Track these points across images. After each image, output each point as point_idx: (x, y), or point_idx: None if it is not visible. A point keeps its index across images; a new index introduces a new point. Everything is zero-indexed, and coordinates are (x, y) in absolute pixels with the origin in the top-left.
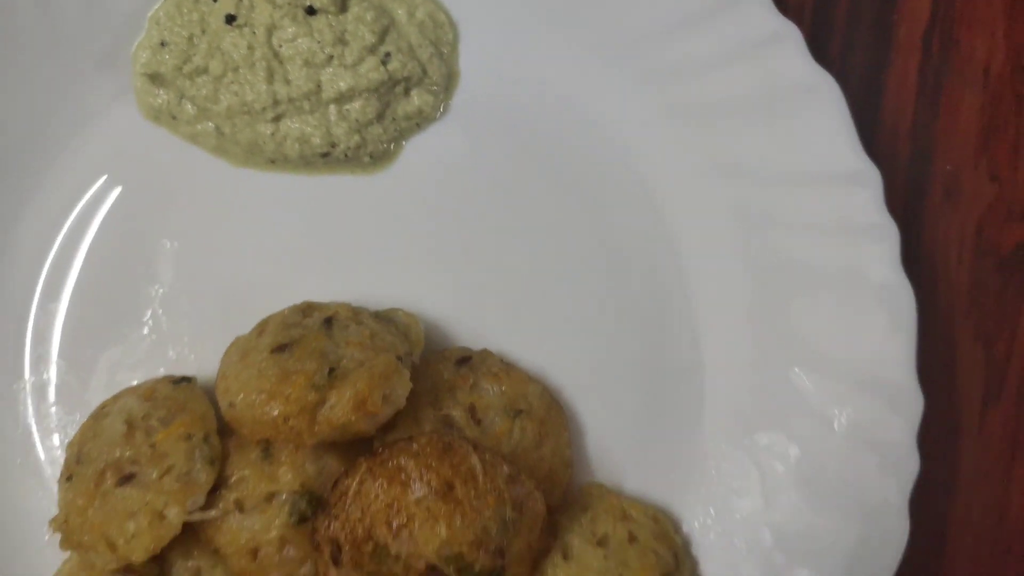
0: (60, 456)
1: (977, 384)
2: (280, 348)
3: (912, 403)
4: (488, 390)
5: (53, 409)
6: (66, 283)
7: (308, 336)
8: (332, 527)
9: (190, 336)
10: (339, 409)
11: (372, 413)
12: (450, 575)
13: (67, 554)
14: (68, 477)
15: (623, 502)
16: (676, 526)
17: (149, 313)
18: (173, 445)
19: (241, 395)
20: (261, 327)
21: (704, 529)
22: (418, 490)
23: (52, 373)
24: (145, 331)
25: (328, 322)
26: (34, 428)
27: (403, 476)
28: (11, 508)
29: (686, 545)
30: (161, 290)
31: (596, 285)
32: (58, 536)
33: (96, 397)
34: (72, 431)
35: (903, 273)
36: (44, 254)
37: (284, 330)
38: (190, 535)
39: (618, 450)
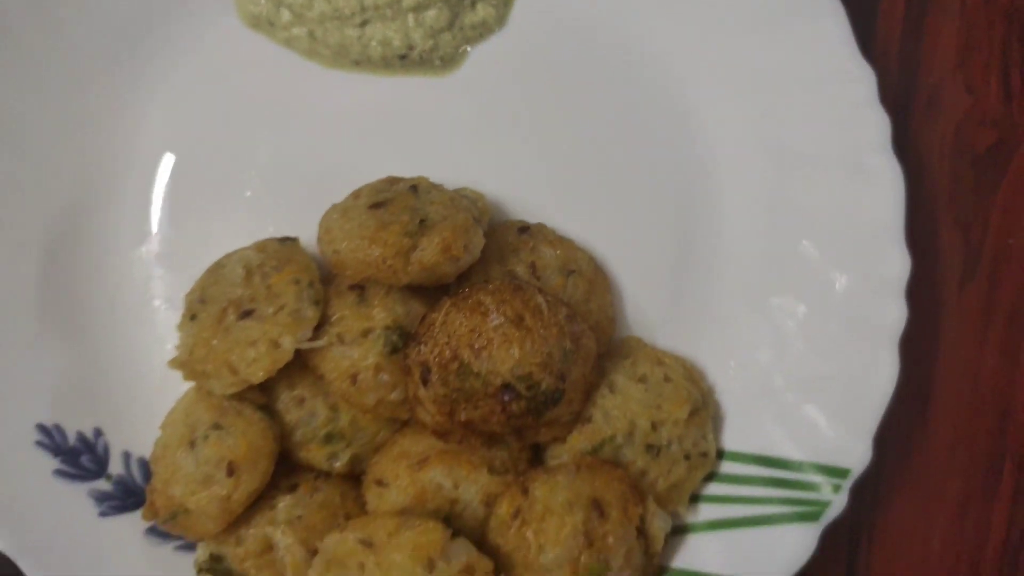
0: (169, 314)
1: (956, 264)
2: (376, 205)
3: (901, 265)
4: (545, 252)
5: (162, 273)
6: (172, 166)
7: (399, 197)
8: (422, 352)
9: (287, 211)
10: (429, 252)
11: (456, 256)
12: (521, 391)
13: (178, 394)
14: (192, 317)
15: (658, 352)
16: (702, 374)
17: (249, 193)
18: (285, 287)
19: (345, 243)
20: (356, 194)
21: (725, 378)
22: (495, 319)
23: (160, 244)
24: (245, 209)
25: (413, 188)
26: (151, 289)
27: (482, 308)
28: (130, 360)
29: (710, 390)
30: (260, 173)
31: (634, 172)
32: (169, 381)
33: (203, 263)
34: (181, 292)
35: (895, 158)
36: (160, 139)
37: (377, 193)
38: (294, 369)
39: (653, 311)
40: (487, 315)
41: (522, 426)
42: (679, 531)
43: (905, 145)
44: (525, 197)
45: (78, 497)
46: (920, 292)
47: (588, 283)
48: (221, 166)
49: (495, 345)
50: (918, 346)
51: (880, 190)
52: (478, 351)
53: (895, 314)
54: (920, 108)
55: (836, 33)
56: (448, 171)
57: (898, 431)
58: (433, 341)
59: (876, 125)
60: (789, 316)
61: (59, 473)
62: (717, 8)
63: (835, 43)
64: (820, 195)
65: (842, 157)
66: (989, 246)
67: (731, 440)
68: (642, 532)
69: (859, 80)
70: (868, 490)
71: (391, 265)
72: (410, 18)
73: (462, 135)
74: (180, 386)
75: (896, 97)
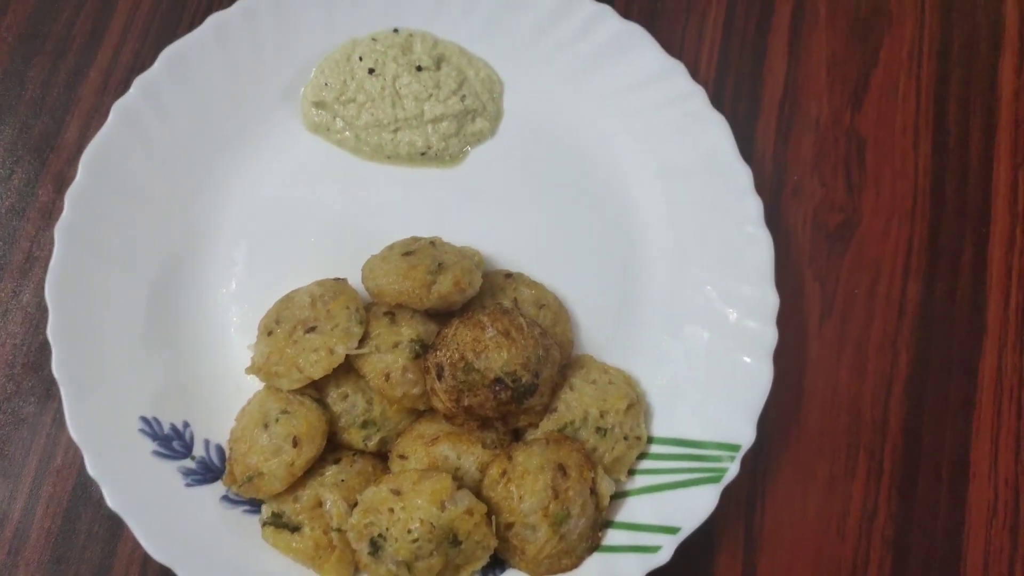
0: (241, 338)
1: (816, 307)
2: (407, 253)
3: (772, 302)
4: (524, 292)
5: (237, 308)
6: (251, 229)
7: (423, 248)
8: (437, 356)
9: (335, 262)
10: (445, 285)
11: (463, 289)
12: (508, 384)
13: (246, 397)
14: (268, 333)
15: (604, 365)
16: (636, 381)
17: (307, 251)
18: (339, 311)
19: (384, 279)
20: (390, 247)
21: (653, 383)
22: (490, 332)
23: (237, 285)
24: (303, 262)
25: (432, 243)
26: (229, 319)
27: (481, 324)
28: (212, 370)
29: (643, 392)
30: (316, 236)
31: (587, 238)
32: (241, 388)
33: (268, 302)
34: (251, 321)
35: (766, 229)
36: (244, 211)
37: (406, 246)
38: (341, 372)
39: (600, 336)
40: (485, 329)
41: (507, 412)
42: (620, 495)
43: (776, 222)
44: (509, 254)
45: (170, 472)
46: (791, 325)
47: (554, 314)
48: (286, 230)
49: (490, 350)
50: (792, 362)
51: (758, 250)
52: (478, 354)
53: (770, 335)
54: (787, 196)
55: (724, 142)
56: (454, 234)
57: (779, 425)
58: (446, 348)
59: (753, 206)
60: (697, 339)
61: (156, 453)
62: (648, 124)
63: (723, 148)
64: (717, 253)
65: (731, 229)
66: (840, 294)
67: (657, 428)
68: (593, 491)
69: (740, 174)
70: (759, 469)
71: (417, 294)
72: (429, 127)
73: (464, 210)
74: (249, 393)
75: (769, 188)
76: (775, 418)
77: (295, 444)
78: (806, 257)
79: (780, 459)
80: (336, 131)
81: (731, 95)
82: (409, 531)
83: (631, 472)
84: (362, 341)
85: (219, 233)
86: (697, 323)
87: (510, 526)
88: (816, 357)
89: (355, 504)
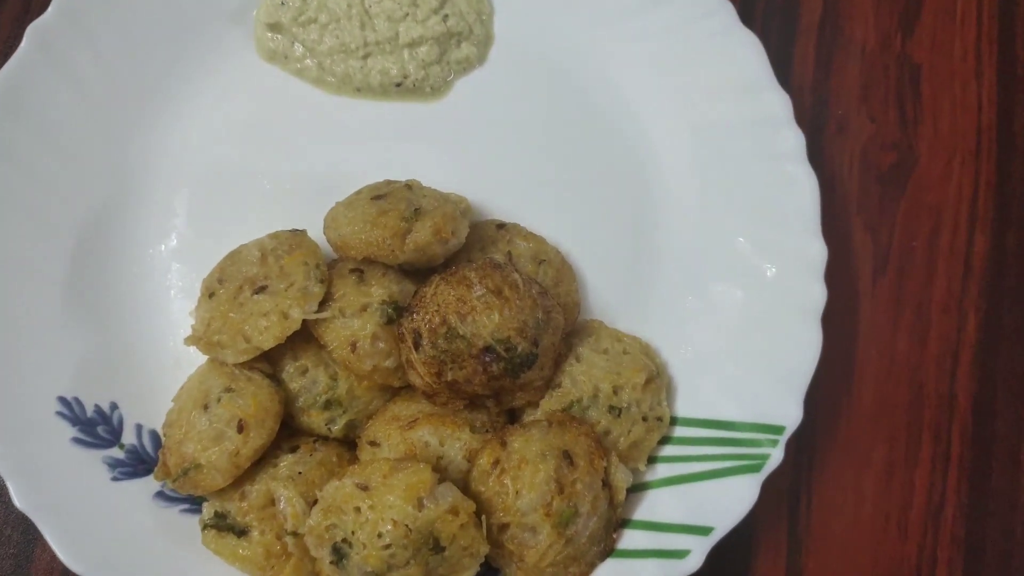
0: (183, 303)
1: (868, 261)
2: (377, 197)
3: (819, 253)
4: (520, 244)
5: (178, 267)
6: (193, 174)
7: (396, 191)
8: (414, 320)
9: (294, 213)
10: (422, 234)
11: (445, 239)
12: (500, 353)
13: (188, 374)
14: (210, 295)
15: (617, 332)
16: (655, 351)
17: (261, 199)
18: (295, 267)
19: (349, 227)
20: (357, 192)
21: (675, 354)
22: (478, 290)
23: (181, 239)
24: (257, 213)
25: (408, 186)
26: (168, 281)
27: (467, 281)
28: (147, 343)
29: (663, 364)
30: (272, 181)
31: (593, 181)
32: (181, 363)
33: (215, 259)
34: (195, 283)
35: (810, 166)
36: (185, 151)
37: (376, 189)
38: (299, 342)
39: (612, 298)
40: (471, 287)
41: (500, 388)
42: (639, 487)
43: (819, 163)
44: (501, 202)
45: (93, 463)
46: (838, 283)
47: (556, 271)
48: (236, 175)
49: (478, 312)
50: (840, 328)
51: (800, 192)
52: (463, 316)
53: (817, 294)
54: (831, 133)
55: (757, 66)
56: (435, 179)
57: (827, 402)
58: (424, 310)
59: (793, 139)
60: (728, 300)
61: (76, 441)
62: (666, 47)
63: (756, 72)
64: (751, 198)
65: (767, 167)
66: (895, 248)
67: (682, 407)
68: (606, 483)
69: (777, 103)
70: (804, 457)
71: (389, 244)
72: (405, 53)
73: (447, 151)
74: (190, 368)
75: (810, 124)
76: (822, 394)
77: (240, 429)
78: (854, 203)
79: (828, 443)
80: (295, 59)
81: (763, 13)
82: (380, 535)
83: (651, 460)
84: (323, 304)
85: (156, 180)
86: (728, 280)
87: (505, 527)
88: (868, 321)
89: (315, 502)
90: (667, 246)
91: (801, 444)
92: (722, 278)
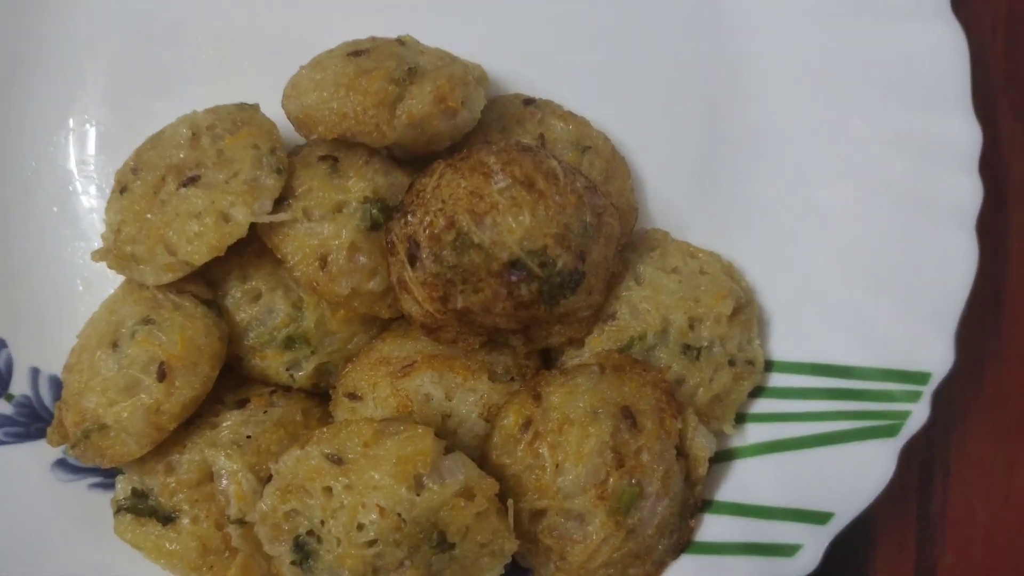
0: (96, 205)
1: (1019, 157)
2: (356, 53)
3: (970, 135)
4: (555, 126)
5: (90, 158)
6: (106, 30)
7: (383, 46)
8: (409, 223)
9: (245, 83)
10: (420, 101)
11: (451, 109)
12: (532, 269)
13: (104, 295)
14: (121, 190)
15: (688, 245)
16: (741, 273)
17: (200, 65)
18: (240, 152)
19: (315, 93)
20: (330, 50)
21: (769, 277)
22: (500, 180)
23: (96, 122)
24: (195, 85)
25: (400, 41)
26: (75, 175)
27: (485, 168)
28: (46, 260)
29: (752, 291)
30: (214, 40)
31: (654, 41)
32: (93, 286)
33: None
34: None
35: (953, 15)
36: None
37: (356, 44)
38: (249, 256)
39: (679, 203)
40: (490, 176)
41: (531, 320)
42: (723, 456)
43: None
44: (529, 73)
45: None
46: (983, 179)
47: (605, 163)
48: (166, 35)
49: (501, 210)
50: (984, 241)
51: (942, 56)
52: (480, 217)
53: (967, 190)
54: None
55: None
56: (438, 38)
57: (969, 345)
58: (424, 209)
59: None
60: (843, 204)
61: None
62: None
63: None
64: (872, 58)
65: (892, 21)
66: None
67: (780, 348)
68: (681, 452)
69: None
70: (940, 418)
71: (373, 117)
72: None
73: (455, 2)
74: (107, 290)
75: None
76: (961, 332)
77: (161, 376)
78: (999, 79)
79: (970, 398)
80: None
81: None
82: (361, 527)
83: (740, 419)
84: (279, 202)
85: (59, 43)
86: (842, 177)
87: (540, 515)
88: (1021, 231)
89: (269, 478)
90: (755, 132)
91: (936, 403)
92: (834, 173)
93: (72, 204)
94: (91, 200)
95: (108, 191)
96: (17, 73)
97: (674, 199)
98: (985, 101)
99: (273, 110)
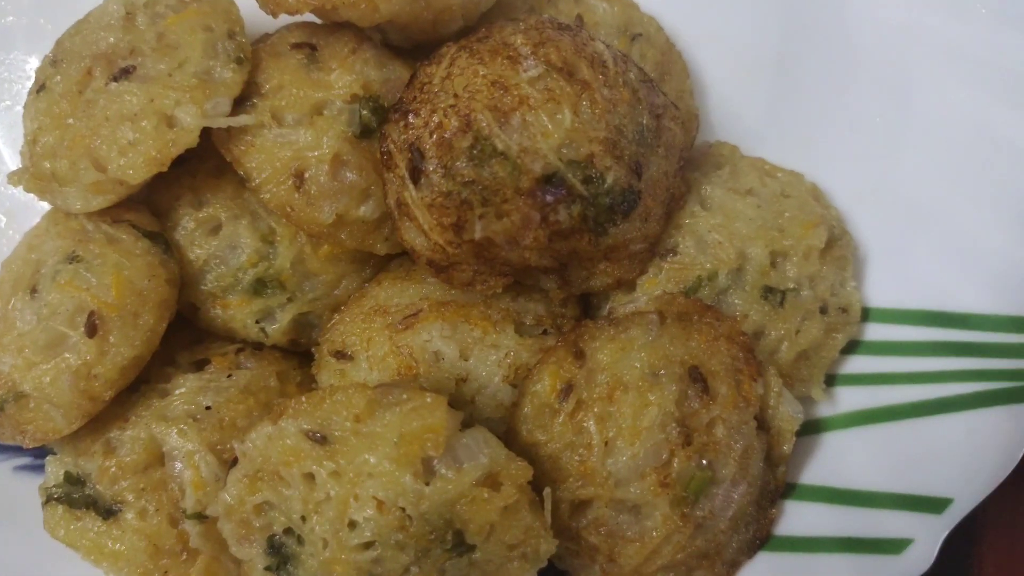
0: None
1: None
2: None
3: None
4: (596, 6)
5: (14, 56)
6: None
7: None
8: (411, 126)
9: None
10: None
11: None
12: (573, 186)
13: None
14: (39, 89)
15: (765, 164)
16: (829, 199)
17: None
18: (188, 36)
19: None
20: None
21: (862, 205)
22: (532, 67)
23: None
24: None
25: None
26: None
27: (510, 51)
28: None
29: (843, 220)
30: None
31: None
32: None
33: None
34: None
35: None
36: None
37: None
38: (205, 176)
39: (749, 113)
40: (518, 61)
41: (571, 255)
42: (811, 429)
43: None
44: None
45: None
46: None
47: (660, 55)
48: None
49: (532, 107)
50: None
51: None
52: (505, 115)
53: None
54: None
55: None
56: None
57: None
58: (430, 107)
59: None
60: (955, 107)
61: None
62: None
63: None
64: None
65: None
66: None
67: (880, 293)
68: (762, 424)
69: None
70: None
71: None
72: None
73: None
74: (24, 223)
75: None
76: None
77: (92, 330)
78: None
79: None
80: None
81: None
82: (353, 524)
83: (831, 382)
84: (241, 102)
85: None
86: (958, 76)
87: (585, 506)
88: None
89: (235, 462)
90: (845, 19)
91: None
92: (943, 71)
93: None
94: (7, 110)
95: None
96: None
97: (743, 105)
98: None
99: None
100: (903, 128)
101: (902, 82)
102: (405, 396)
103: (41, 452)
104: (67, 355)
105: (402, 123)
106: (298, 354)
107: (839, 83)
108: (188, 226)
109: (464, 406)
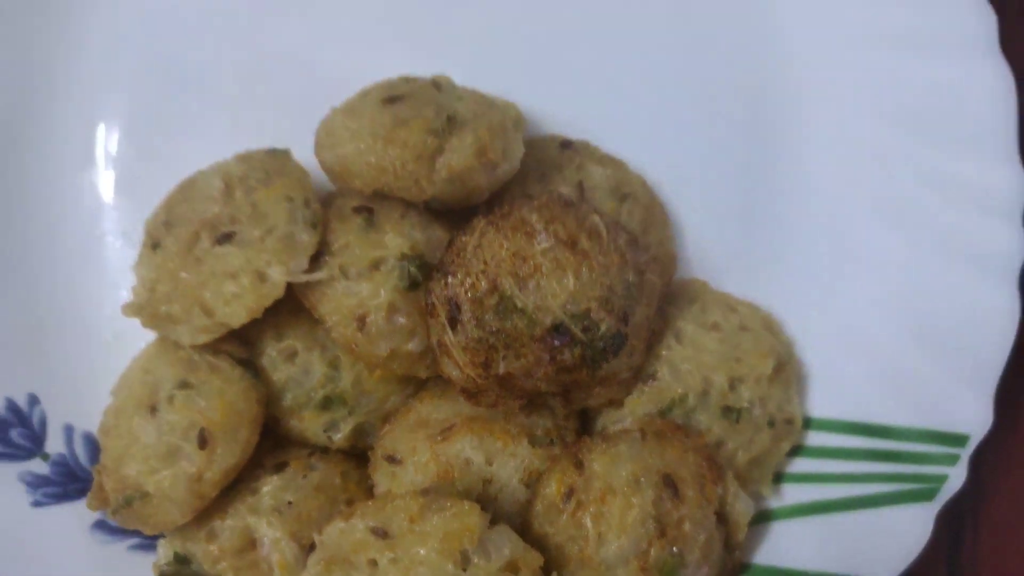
0: (124, 252)
1: None
2: (391, 100)
3: (1014, 183)
4: (594, 171)
5: (117, 201)
6: (130, 66)
7: (419, 91)
8: (450, 285)
9: (274, 122)
10: (460, 154)
11: (492, 162)
12: (575, 334)
13: (134, 353)
14: (154, 246)
15: (728, 297)
16: (780, 325)
17: (227, 101)
18: (274, 205)
19: (352, 145)
20: (363, 92)
21: (807, 330)
22: (544, 240)
23: (118, 163)
24: (222, 121)
25: (436, 84)
26: (99, 218)
27: (527, 227)
28: (76, 310)
29: (791, 344)
30: (240, 76)
31: (693, 81)
32: (125, 337)
33: (162, 194)
34: (141, 225)
35: (1003, 58)
36: (116, 33)
37: (390, 88)
38: (284, 314)
39: (717, 250)
40: (534, 236)
41: (572, 383)
42: (762, 518)
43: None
44: (562, 110)
45: (7, 481)
46: None
47: (645, 210)
48: (191, 66)
49: (544, 273)
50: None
51: (988, 94)
52: (523, 281)
53: (1011, 243)
54: (1012, 14)
55: None
56: (470, 76)
57: (1001, 391)
58: (465, 270)
59: (978, 20)
60: (887, 252)
61: None
62: None
63: None
64: (917, 98)
65: (942, 56)
66: None
67: (819, 405)
68: (723, 518)
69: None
70: (971, 465)
71: (412, 171)
72: None
73: (489, 34)
74: (137, 343)
75: None
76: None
77: (202, 443)
78: None
79: (1003, 446)
80: None
81: None
82: None
83: (778, 479)
84: (316, 259)
85: (78, 83)
86: (884, 222)
87: None
88: None
89: (312, 547)
90: (796, 174)
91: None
92: (878, 220)
93: (96, 252)
94: (116, 249)
95: (134, 236)
96: (38, 113)
97: (712, 245)
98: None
99: (302, 151)
100: (842, 267)
101: (843, 228)
102: (448, 504)
103: (148, 536)
104: (183, 463)
105: (443, 282)
106: (356, 456)
107: (792, 225)
108: (271, 354)
109: (489, 502)
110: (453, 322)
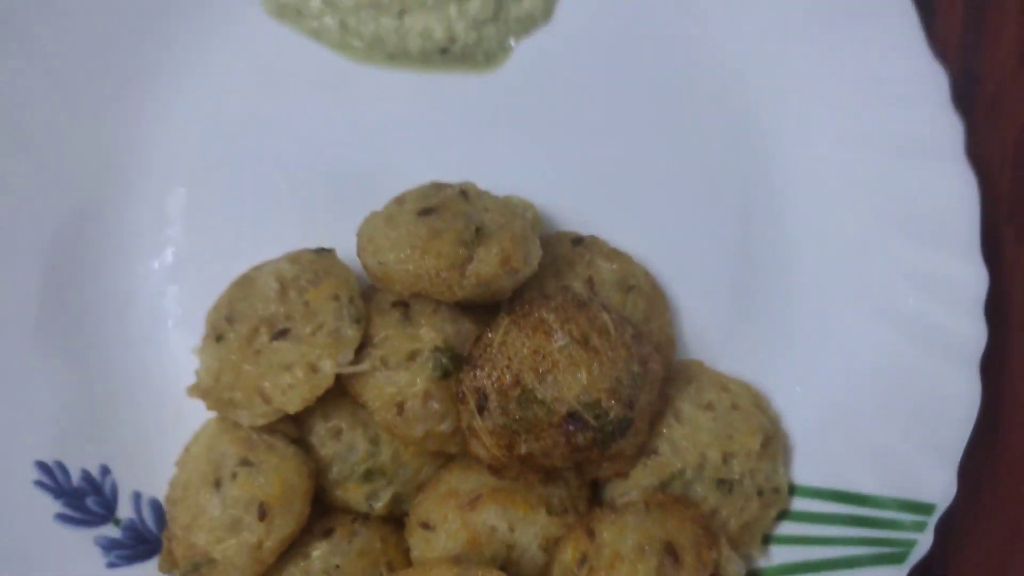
0: (185, 335)
1: (1019, 286)
2: (425, 212)
3: (978, 281)
4: (602, 267)
5: (177, 289)
6: (190, 169)
7: (449, 203)
8: (478, 377)
9: (317, 220)
10: (487, 264)
11: (515, 269)
12: (588, 421)
13: (194, 427)
14: (217, 338)
15: (721, 377)
16: (767, 401)
17: (276, 200)
18: (323, 304)
19: (392, 253)
20: (399, 199)
21: (792, 405)
22: (560, 339)
23: (176, 256)
24: (271, 218)
25: (463, 194)
26: (165, 307)
27: (545, 327)
28: (142, 388)
29: (777, 418)
30: (288, 178)
31: (691, 178)
32: (185, 412)
33: (223, 279)
34: (198, 310)
35: (968, 165)
36: (177, 140)
37: (424, 199)
38: (330, 397)
39: (712, 332)
40: (551, 335)
41: (585, 459)
42: None
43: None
44: (573, 207)
45: (83, 545)
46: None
47: (648, 300)
48: (244, 170)
49: (561, 368)
50: (984, 371)
51: (953, 199)
52: (542, 375)
53: (974, 333)
54: (978, 116)
55: (904, 29)
56: (491, 177)
57: (967, 465)
58: (491, 364)
59: (949, 129)
60: (862, 338)
61: (61, 518)
62: (782, 3)
63: (904, 39)
64: (893, 193)
65: (914, 165)
66: None
67: (802, 474)
68: None
69: (930, 79)
70: (938, 532)
71: (445, 278)
72: (452, 8)
73: (505, 138)
74: (197, 418)
75: (955, 100)
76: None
77: (262, 515)
78: (1005, 207)
79: (969, 515)
80: (312, 15)
81: None
82: None
83: (766, 540)
84: (360, 351)
85: (143, 180)
86: (861, 309)
87: None
88: (1019, 363)
89: None
90: (785, 266)
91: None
92: (854, 307)
93: (161, 334)
94: (177, 330)
95: (191, 322)
96: (107, 208)
97: (708, 329)
98: (990, 227)
99: (344, 246)
100: (824, 349)
101: (825, 313)
102: (479, 573)
103: None
104: (245, 533)
105: (472, 374)
106: (394, 522)
107: (779, 310)
108: (319, 433)
109: (512, 566)
110: (481, 409)
